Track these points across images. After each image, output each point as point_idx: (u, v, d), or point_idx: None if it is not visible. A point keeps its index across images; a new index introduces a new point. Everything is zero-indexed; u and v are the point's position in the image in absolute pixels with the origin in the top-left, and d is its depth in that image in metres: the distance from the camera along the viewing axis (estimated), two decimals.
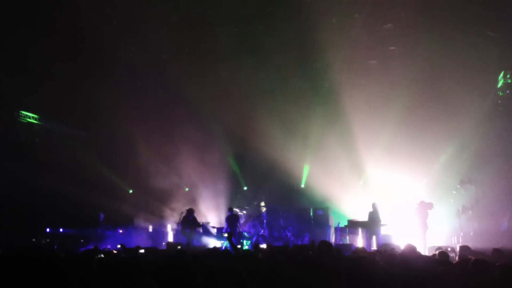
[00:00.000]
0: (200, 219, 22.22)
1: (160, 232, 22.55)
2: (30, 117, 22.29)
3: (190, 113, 23.13)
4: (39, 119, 22.60)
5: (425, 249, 16.98)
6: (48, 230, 21.14)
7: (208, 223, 22.64)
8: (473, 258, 7.44)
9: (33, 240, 19.63)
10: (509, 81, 19.93)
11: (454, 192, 21.60)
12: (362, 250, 9.85)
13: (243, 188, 25.50)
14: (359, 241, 19.28)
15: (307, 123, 23.29)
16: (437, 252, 9.48)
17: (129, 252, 13.17)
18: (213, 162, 24.12)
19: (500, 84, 20.16)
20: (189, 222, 19.86)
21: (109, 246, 17.56)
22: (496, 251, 9.86)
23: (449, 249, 14.41)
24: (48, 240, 20.30)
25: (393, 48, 20.66)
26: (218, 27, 20.31)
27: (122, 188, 24.03)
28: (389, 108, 21.41)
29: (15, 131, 21.38)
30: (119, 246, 15.00)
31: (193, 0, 19.25)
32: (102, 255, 10.30)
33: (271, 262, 6.33)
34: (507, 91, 20.08)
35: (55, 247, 18.62)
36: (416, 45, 19.63)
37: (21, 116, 21.91)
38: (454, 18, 18.21)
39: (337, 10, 19.04)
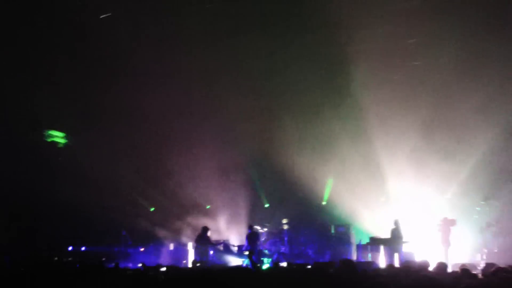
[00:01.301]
0: (221, 237, 22.19)
1: (181, 250, 22.51)
2: (56, 136, 22.64)
3: (211, 129, 23.29)
4: (65, 137, 22.97)
5: (448, 266, 16.71)
6: (70, 248, 21.29)
7: (227, 240, 22.56)
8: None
9: (56, 258, 19.76)
10: None
11: (478, 208, 21.32)
12: (389, 268, 9.72)
13: (264, 205, 25.37)
14: (381, 259, 19.06)
15: (330, 139, 23.17)
16: (459, 269, 9.34)
17: (150, 271, 13.20)
18: (235, 179, 24.09)
19: None
20: (203, 240, 19.92)
21: (130, 265, 17.59)
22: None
23: (477, 267, 14.18)
24: (70, 258, 20.42)
25: (417, 63, 20.57)
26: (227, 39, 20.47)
27: (143, 206, 24.14)
28: (411, 124, 21.31)
29: (40, 149, 21.71)
30: (140, 264, 15.03)
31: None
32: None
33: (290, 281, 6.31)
34: None
35: (77, 266, 18.71)
36: (440, 59, 19.55)
37: (46, 135, 22.29)
38: (478, 29, 18.18)
39: (361, 24, 19.02)
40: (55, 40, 19.05)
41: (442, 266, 9.86)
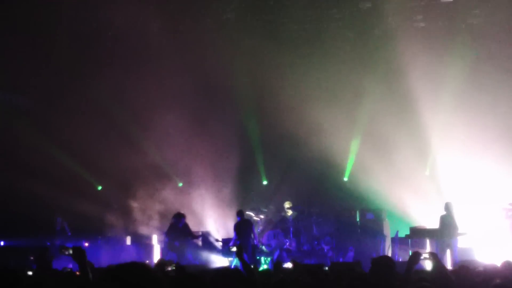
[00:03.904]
0: (198, 228, 22.15)
1: (142, 246, 22.57)
2: None
3: (188, 79, 23.14)
4: None
5: None
6: None
7: (208, 232, 22.58)
8: None
9: None
10: None
11: None
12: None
13: (261, 182, 25.35)
14: None
15: (353, 90, 23.21)
16: None
17: (99, 275, 13.08)
18: (219, 143, 24.00)
19: None
20: (179, 231, 19.90)
21: (70, 266, 17.56)
22: None
23: None
24: None
25: None
26: None
27: (87, 182, 24.06)
28: (466, 64, 21.27)
29: None
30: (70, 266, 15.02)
31: None
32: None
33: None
34: None
35: None
36: None
37: None
38: None
39: None
40: None
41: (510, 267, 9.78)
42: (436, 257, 9.65)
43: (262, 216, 23.08)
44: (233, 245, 20.10)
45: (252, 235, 20.41)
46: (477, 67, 21.53)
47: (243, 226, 20.33)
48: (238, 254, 11.77)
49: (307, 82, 22.46)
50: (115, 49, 23.15)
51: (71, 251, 8.15)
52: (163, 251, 21.45)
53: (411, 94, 21.99)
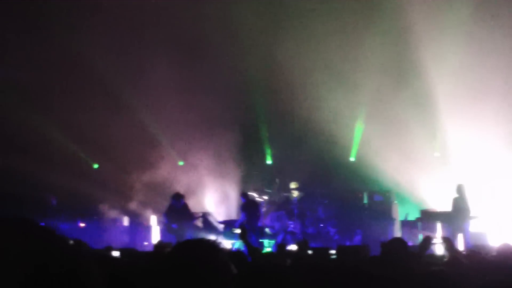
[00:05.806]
0: (199, 209, 22.00)
1: (140, 227, 22.50)
2: None
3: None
4: None
5: None
6: None
7: (209, 213, 22.44)
8: None
9: None
10: None
11: None
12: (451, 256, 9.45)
13: (265, 161, 25.21)
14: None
15: (358, 65, 23.06)
16: None
17: (96, 256, 12.91)
18: (223, 118, 23.83)
19: None
20: (177, 213, 19.72)
21: None
22: None
23: None
24: None
25: None
26: None
27: (82, 161, 24.00)
28: (483, 36, 21.12)
29: None
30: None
31: None
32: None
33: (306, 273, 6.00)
34: None
35: None
36: None
37: None
38: None
39: None
40: None
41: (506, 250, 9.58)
42: (450, 242, 9.51)
43: (265, 197, 22.99)
44: (239, 227, 19.95)
45: (258, 215, 20.36)
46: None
47: (248, 207, 20.22)
48: (242, 237, 11.59)
49: (309, 56, 22.32)
50: (104, 14, 22.90)
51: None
52: (162, 233, 21.36)
53: (419, 70, 21.96)
